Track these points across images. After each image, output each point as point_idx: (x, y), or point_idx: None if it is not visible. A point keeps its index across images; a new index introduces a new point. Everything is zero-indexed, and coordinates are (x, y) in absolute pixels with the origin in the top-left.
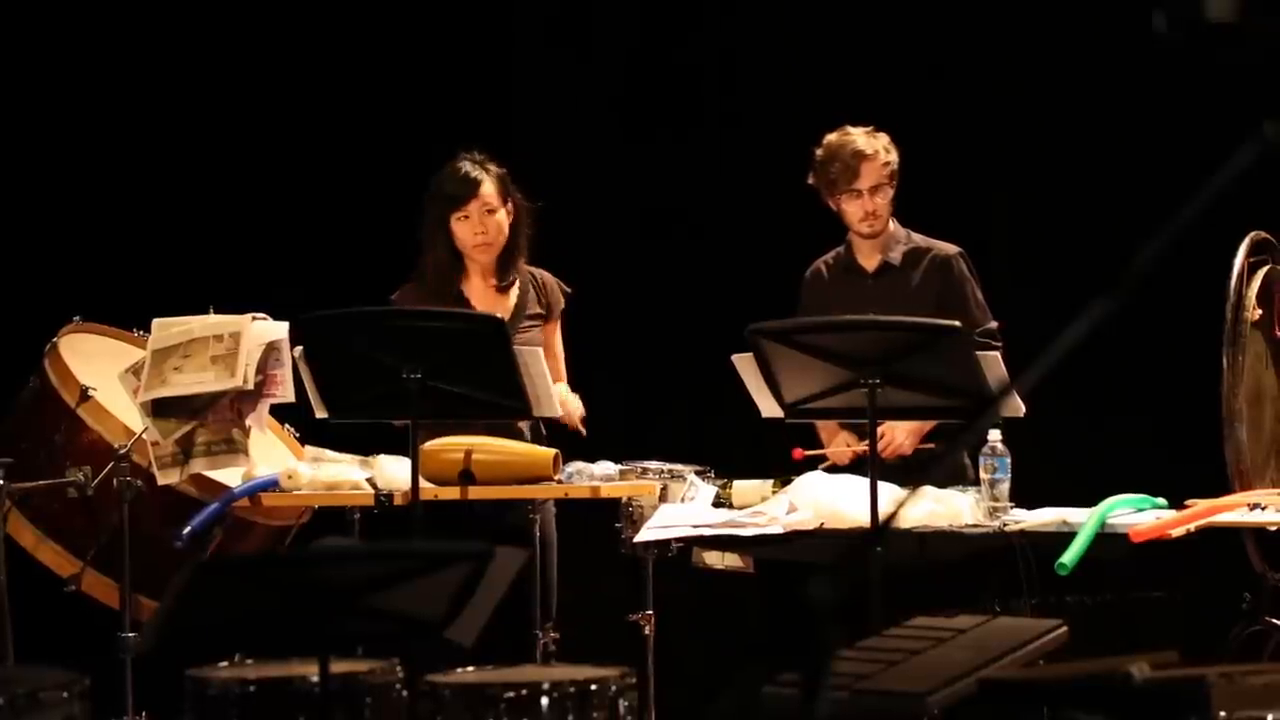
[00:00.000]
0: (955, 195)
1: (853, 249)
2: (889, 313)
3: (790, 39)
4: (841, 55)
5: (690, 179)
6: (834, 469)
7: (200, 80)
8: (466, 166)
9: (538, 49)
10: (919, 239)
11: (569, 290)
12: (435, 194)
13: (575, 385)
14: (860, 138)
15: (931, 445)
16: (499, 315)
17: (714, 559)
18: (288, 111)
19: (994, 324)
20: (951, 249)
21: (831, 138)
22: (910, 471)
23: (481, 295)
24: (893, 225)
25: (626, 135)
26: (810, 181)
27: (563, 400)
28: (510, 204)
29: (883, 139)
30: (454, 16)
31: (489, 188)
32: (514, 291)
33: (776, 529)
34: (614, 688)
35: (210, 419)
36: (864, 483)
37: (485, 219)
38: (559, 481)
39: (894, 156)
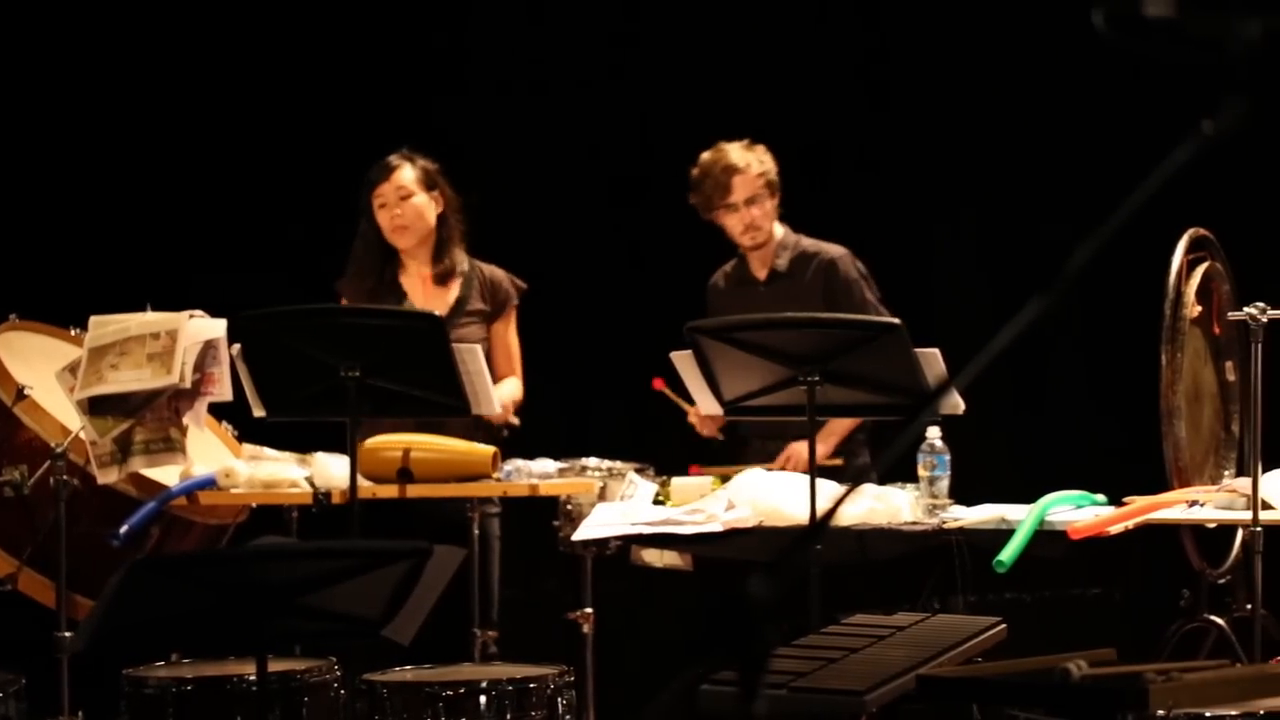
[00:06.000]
0: (898, 193)
1: (745, 260)
2: None
3: (733, 47)
4: (785, 58)
5: (629, 178)
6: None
7: (136, 79)
8: (391, 156)
9: (487, 47)
10: (808, 243)
11: (523, 285)
12: (361, 183)
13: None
14: (733, 152)
15: (840, 460)
16: (436, 311)
17: (653, 557)
18: (225, 109)
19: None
20: (838, 250)
21: (705, 155)
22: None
23: (419, 289)
24: (780, 232)
25: (568, 137)
26: (691, 201)
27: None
28: (437, 193)
29: (757, 150)
30: (401, 12)
31: (406, 173)
32: (455, 287)
33: (715, 527)
34: (552, 686)
35: (148, 417)
36: (803, 480)
37: (401, 204)
38: (498, 479)
39: (769, 166)
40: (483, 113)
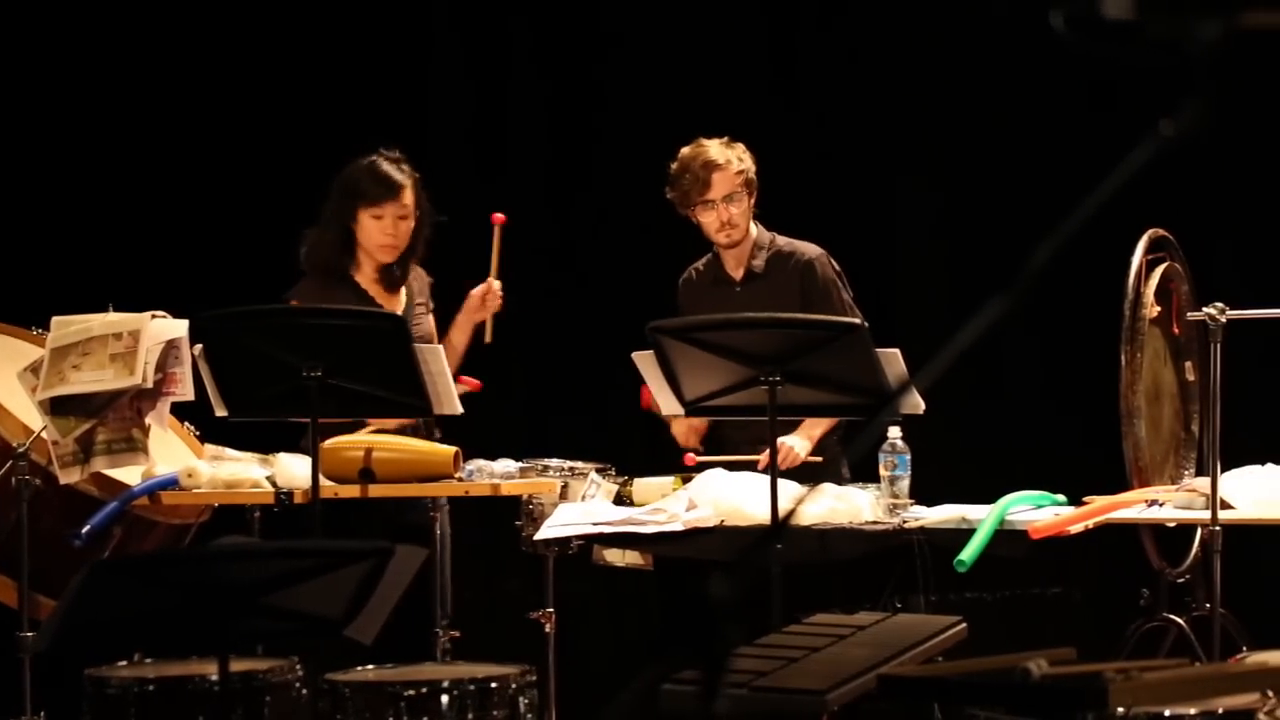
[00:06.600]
0: (859, 191)
1: (720, 258)
2: None
3: (702, 46)
4: (741, 64)
5: (592, 176)
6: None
7: (98, 77)
8: (389, 168)
9: (451, 51)
10: (782, 242)
11: (430, 278)
12: (351, 185)
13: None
14: (713, 148)
15: (820, 459)
16: (395, 311)
17: (614, 556)
18: (187, 109)
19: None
20: (814, 250)
21: (685, 151)
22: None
23: (373, 286)
24: (756, 231)
25: (531, 134)
26: (668, 195)
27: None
28: (418, 209)
29: (737, 149)
30: (366, 16)
31: (409, 195)
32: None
33: (677, 526)
34: (514, 685)
35: (110, 417)
36: (764, 480)
37: (398, 223)
38: (459, 479)
39: (748, 165)
40: (446, 114)
